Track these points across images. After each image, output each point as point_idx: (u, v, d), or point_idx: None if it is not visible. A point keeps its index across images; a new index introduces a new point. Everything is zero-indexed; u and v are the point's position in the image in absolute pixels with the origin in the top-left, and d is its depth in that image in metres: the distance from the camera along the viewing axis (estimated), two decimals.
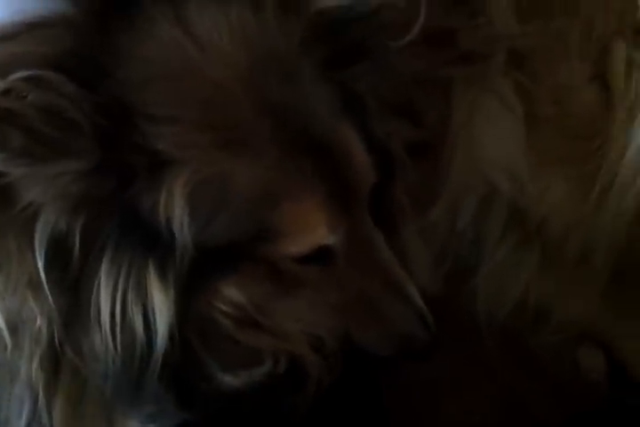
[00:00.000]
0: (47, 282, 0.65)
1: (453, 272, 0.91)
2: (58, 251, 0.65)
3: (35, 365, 0.69)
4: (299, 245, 0.68)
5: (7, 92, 0.58)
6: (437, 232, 0.89)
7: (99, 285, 0.65)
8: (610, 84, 0.84)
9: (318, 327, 0.75)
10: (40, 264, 0.64)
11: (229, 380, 0.72)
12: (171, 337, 0.66)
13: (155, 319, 0.66)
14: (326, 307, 0.74)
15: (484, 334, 0.89)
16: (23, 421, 0.71)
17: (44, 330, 0.67)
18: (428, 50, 0.82)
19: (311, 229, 0.68)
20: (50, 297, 0.66)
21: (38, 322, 0.67)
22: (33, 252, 0.64)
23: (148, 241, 0.65)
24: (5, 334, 0.68)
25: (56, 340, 0.68)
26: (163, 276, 0.65)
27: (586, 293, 0.88)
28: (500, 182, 0.85)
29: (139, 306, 0.66)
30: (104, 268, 0.65)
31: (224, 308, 0.70)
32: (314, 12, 0.68)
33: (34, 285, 0.66)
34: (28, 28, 0.62)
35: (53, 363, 0.69)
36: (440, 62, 0.84)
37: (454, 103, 0.85)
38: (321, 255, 0.71)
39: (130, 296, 0.66)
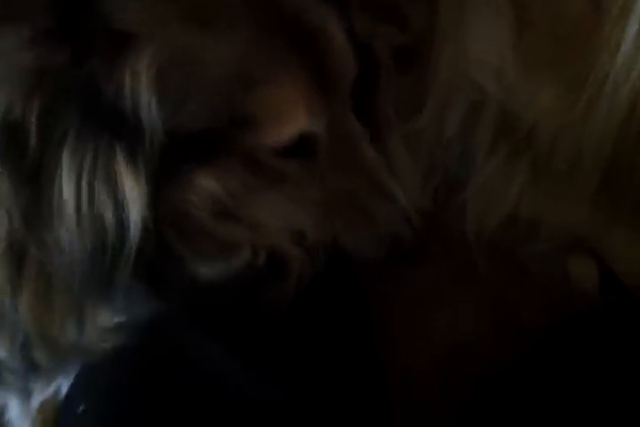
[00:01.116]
0: (3, 173, 0.62)
1: (442, 186, 0.90)
2: (13, 137, 0.61)
3: None
4: (277, 134, 0.66)
5: None
6: (424, 142, 0.88)
7: (60, 175, 0.62)
8: None
9: (300, 223, 0.73)
10: None
11: (205, 271, 0.69)
12: (144, 227, 0.64)
13: (126, 210, 0.63)
14: (308, 204, 0.72)
15: (473, 248, 0.88)
16: None
17: (4, 225, 0.65)
18: None
19: (289, 116, 0.66)
20: (8, 190, 0.63)
21: None
22: None
23: (113, 127, 0.62)
24: None
25: (17, 235, 0.65)
26: (133, 164, 0.62)
27: (576, 200, 0.87)
28: (488, 84, 0.83)
29: (108, 195, 0.63)
30: (66, 157, 0.62)
31: (199, 199, 0.68)
32: None
33: None
34: None
35: (16, 259, 0.67)
36: None
37: (441, 6, 0.83)
38: (302, 149, 0.68)
39: (97, 186, 0.62)
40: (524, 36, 0.83)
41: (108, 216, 0.63)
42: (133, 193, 0.63)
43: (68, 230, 0.63)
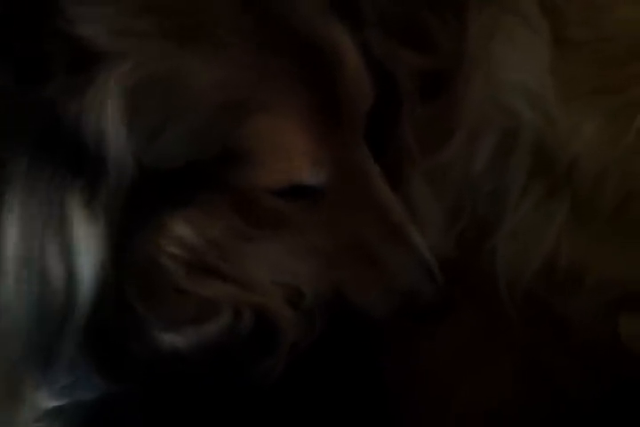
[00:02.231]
0: None
1: (470, 229, 0.81)
2: None
3: None
4: (274, 175, 0.57)
5: None
6: (450, 179, 0.79)
7: (4, 219, 0.53)
8: None
9: (297, 278, 0.63)
10: None
11: (171, 339, 0.59)
12: (99, 286, 0.54)
13: (78, 263, 0.54)
14: (309, 254, 0.62)
15: (505, 301, 0.79)
16: None
17: None
18: None
19: (290, 153, 0.57)
20: None
21: None
22: None
23: (71, 161, 0.53)
24: None
25: None
26: (91, 206, 0.53)
27: (625, 247, 0.77)
28: (524, 112, 0.74)
29: (57, 245, 0.54)
30: (11, 197, 0.53)
31: (171, 248, 0.58)
32: None
33: None
34: None
35: None
36: None
37: (470, 25, 0.75)
38: (304, 190, 0.59)
39: (45, 232, 0.54)
40: (564, 58, 0.75)
41: (57, 271, 0.54)
42: (88, 243, 0.54)
43: (8, 287, 0.54)
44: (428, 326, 0.71)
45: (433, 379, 0.77)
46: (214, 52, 0.53)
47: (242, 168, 0.56)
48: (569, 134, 0.74)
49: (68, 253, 0.54)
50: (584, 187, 0.76)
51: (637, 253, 0.77)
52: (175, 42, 0.53)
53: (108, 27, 0.52)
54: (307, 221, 0.61)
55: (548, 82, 0.74)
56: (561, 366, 0.78)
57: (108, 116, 0.52)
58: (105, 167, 0.53)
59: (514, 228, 0.79)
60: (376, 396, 0.68)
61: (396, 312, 0.64)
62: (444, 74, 0.76)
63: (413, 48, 0.74)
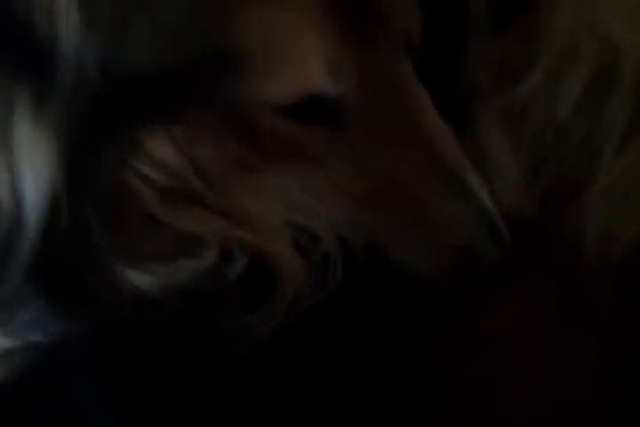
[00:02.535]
0: None
1: (554, 185, 0.71)
2: None
3: None
4: (280, 85, 0.48)
5: None
6: (531, 121, 0.68)
7: None
8: None
9: (313, 218, 0.53)
10: None
11: (138, 278, 0.51)
12: (52, 208, 0.48)
13: (23, 178, 0.48)
14: (333, 192, 0.52)
15: (591, 275, 0.68)
16: None
17: None
18: None
19: (298, 56, 0.47)
20: None
21: None
22: None
23: (20, 58, 0.46)
24: None
25: None
26: (39, 113, 0.47)
27: None
28: (624, 36, 0.63)
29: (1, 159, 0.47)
30: None
31: (147, 171, 0.51)
32: None
33: None
34: None
35: None
36: None
37: None
38: (325, 110, 0.50)
39: None
40: None
41: (1, 189, 0.47)
42: (34, 155, 0.47)
43: None
44: (487, 293, 0.60)
45: (489, 366, 0.65)
46: None
47: (238, 76, 0.47)
48: None
49: (11, 166, 0.48)
50: None
51: None
52: None
53: None
54: (328, 155, 0.52)
55: None
56: None
57: (59, 7, 0.44)
58: (58, 68, 0.46)
59: (608, 187, 0.69)
60: (407, 387, 0.56)
61: (447, 274, 0.55)
62: None
63: None
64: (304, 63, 0.48)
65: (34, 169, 0.48)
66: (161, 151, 0.50)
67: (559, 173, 0.71)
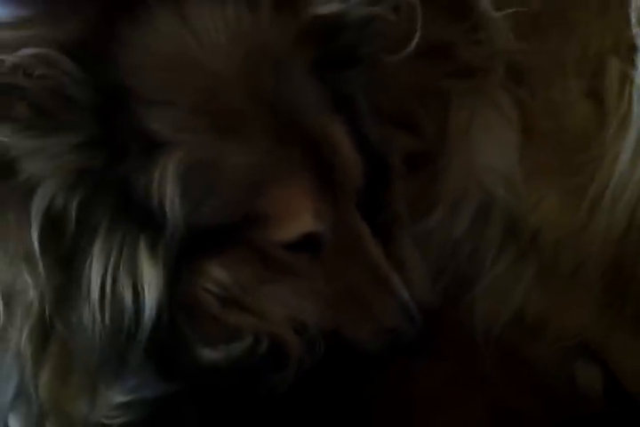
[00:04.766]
0: (41, 256, 0.69)
1: (451, 285, 0.92)
2: (54, 226, 0.68)
3: (24, 336, 0.72)
4: (285, 231, 0.71)
5: (16, 67, 0.63)
6: (434, 241, 0.91)
7: (91, 260, 0.69)
8: (604, 100, 0.86)
9: (303, 313, 0.77)
10: (35, 238, 0.68)
11: (209, 354, 0.74)
12: (158, 312, 0.69)
13: (144, 294, 0.69)
14: (313, 295, 0.76)
15: (479, 347, 0.89)
16: (10, 391, 0.74)
17: (36, 303, 0.71)
18: (428, 63, 0.86)
19: (297, 215, 0.71)
20: (43, 271, 0.69)
21: (31, 295, 0.70)
22: (30, 225, 0.68)
23: (140, 219, 0.69)
24: None
25: (46, 313, 0.71)
26: (153, 252, 0.69)
27: (580, 304, 0.88)
28: (496, 189, 0.86)
29: (129, 281, 0.69)
30: (97, 244, 0.69)
31: (209, 286, 0.73)
32: (309, 16, 0.72)
33: (29, 258, 0.69)
34: (39, 16, 0.68)
35: (42, 335, 0.72)
36: (439, 75, 0.87)
37: (452, 113, 0.88)
38: (309, 244, 0.73)
39: (121, 271, 0.69)
40: (531, 144, 0.87)
41: (128, 300, 0.69)
42: (152, 279, 0.69)
43: (90, 311, 0.69)
44: (409, 360, 0.84)
45: (411, 410, 0.87)
46: (243, 143, 0.69)
47: (261, 227, 0.71)
48: (532, 209, 0.86)
49: (136, 287, 0.69)
50: (546, 253, 0.87)
51: (590, 307, 0.88)
52: (216, 135, 0.68)
53: (169, 124, 0.67)
54: (309, 270, 0.75)
55: (517, 164, 0.86)
56: (525, 403, 0.88)
57: (167, 190, 0.68)
58: (164, 225, 0.68)
59: (489, 285, 0.90)
60: (360, 413, 0.83)
61: (381, 347, 0.78)
62: (428, 153, 0.88)
63: (404, 133, 0.87)
64: (301, 217, 0.71)
65: (149, 287, 0.69)
66: (216, 273, 0.73)
67: (455, 275, 0.91)
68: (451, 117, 0.88)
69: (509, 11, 0.84)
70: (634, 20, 0.85)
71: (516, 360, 0.90)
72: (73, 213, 0.68)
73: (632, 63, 0.85)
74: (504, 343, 0.90)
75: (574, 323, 0.89)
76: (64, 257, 0.69)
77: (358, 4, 0.73)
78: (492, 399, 0.89)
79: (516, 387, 0.90)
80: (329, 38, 0.73)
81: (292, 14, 0.72)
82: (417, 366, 0.87)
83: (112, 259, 0.69)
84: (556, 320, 0.90)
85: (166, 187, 0.68)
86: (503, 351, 0.90)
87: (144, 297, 0.69)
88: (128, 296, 0.69)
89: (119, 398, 0.75)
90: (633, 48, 0.85)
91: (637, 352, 0.88)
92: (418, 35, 0.78)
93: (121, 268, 0.69)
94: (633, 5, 0.85)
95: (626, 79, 0.85)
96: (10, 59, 0.63)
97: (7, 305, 0.71)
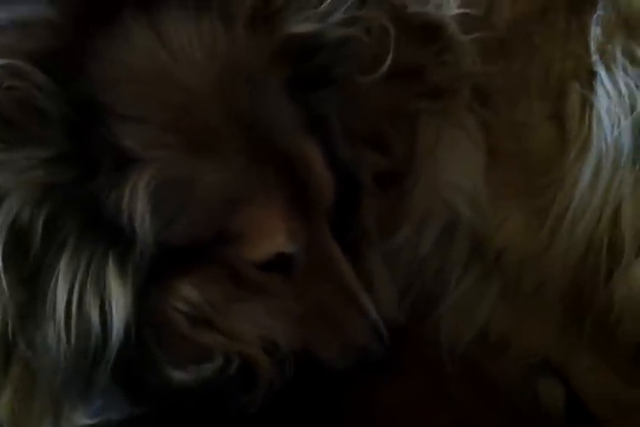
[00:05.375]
0: (4, 272, 0.67)
1: (418, 302, 0.93)
2: (18, 241, 0.67)
3: None
4: (258, 251, 0.71)
5: None
6: (401, 259, 0.92)
7: (57, 277, 0.67)
8: (565, 124, 0.88)
9: (274, 332, 0.77)
10: None
11: (179, 375, 0.73)
12: (126, 332, 0.68)
13: (112, 313, 0.67)
14: (284, 314, 0.76)
15: (445, 363, 0.90)
16: None
17: None
18: (400, 84, 0.87)
19: (270, 235, 0.71)
20: (6, 288, 0.67)
21: None
22: None
23: (109, 236, 0.67)
24: None
25: (9, 331, 0.69)
26: (122, 270, 0.67)
27: (542, 324, 0.90)
28: (461, 208, 0.88)
29: (96, 299, 0.67)
30: (64, 260, 0.67)
31: (178, 305, 0.72)
32: (284, 34, 0.73)
33: None
34: (10, 25, 0.67)
35: (4, 355, 0.71)
36: (410, 96, 0.89)
37: (420, 133, 0.90)
38: (281, 264, 0.73)
39: (88, 289, 0.67)
40: (495, 166, 0.89)
41: (95, 319, 0.67)
42: (120, 298, 0.67)
43: (56, 330, 0.67)
44: (376, 375, 0.83)
45: (383, 423, 0.88)
46: (217, 161, 0.68)
47: (233, 246, 0.70)
48: (497, 229, 0.88)
49: (103, 305, 0.67)
50: (510, 272, 0.89)
51: (551, 326, 0.89)
52: (189, 154, 0.68)
53: (140, 140, 0.67)
54: (281, 289, 0.75)
55: (482, 184, 0.88)
56: (488, 420, 0.89)
57: (137, 207, 0.66)
58: (134, 242, 0.67)
59: (454, 303, 0.91)
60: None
61: (349, 365, 0.78)
62: (397, 172, 0.90)
63: (374, 152, 0.89)
64: (274, 237, 0.71)
65: (117, 306, 0.67)
66: (186, 292, 0.71)
67: (421, 292, 0.92)
68: (418, 137, 0.90)
69: (476, 35, 0.86)
70: (593, 47, 0.88)
71: (480, 377, 0.92)
72: (39, 229, 0.66)
73: (592, 88, 0.88)
74: (469, 361, 0.91)
75: (537, 341, 0.91)
76: (29, 273, 0.67)
77: (334, 25, 0.74)
78: (458, 417, 0.90)
79: (481, 404, 0.91)
80: (304, 57, 0.74)
81: (268, 32, 0.72)
82: (383, 382, 0.88)
83: (79, 276, 0.67)
84: (519, 338, 0.91)
85: (137, 204, 0.66)
86: (468, 368, 0.91)
87: (111, 316, 0.67)
88: (95, 315, 0.67)
89: (84, 420, 0.74)
90: (592, 74, 0.88)
91: (597, 371, 0.89)
92: (390, 56, 0.80)
93: (88, 286, 0.67)
94: (592, 33, 0.88)
95: (586, 104, 0.87)
96: None
97: None
